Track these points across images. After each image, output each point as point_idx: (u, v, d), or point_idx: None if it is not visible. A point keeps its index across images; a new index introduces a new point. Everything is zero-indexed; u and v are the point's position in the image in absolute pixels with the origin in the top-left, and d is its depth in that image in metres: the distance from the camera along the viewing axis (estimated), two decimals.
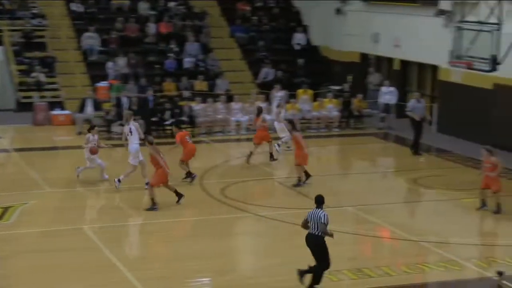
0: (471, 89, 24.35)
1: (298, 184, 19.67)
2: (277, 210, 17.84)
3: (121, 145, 24.61)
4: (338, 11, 32.23)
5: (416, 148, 23.56)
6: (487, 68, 20.33)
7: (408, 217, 17.87)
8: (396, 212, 18.04)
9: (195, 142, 25.50)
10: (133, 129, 19.79)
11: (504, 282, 12.31)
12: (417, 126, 23.36)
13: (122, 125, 25.44)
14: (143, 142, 19.08)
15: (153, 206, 17.56)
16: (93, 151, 19.77)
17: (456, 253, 15.06)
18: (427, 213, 18.35)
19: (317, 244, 12.92)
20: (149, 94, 26.71)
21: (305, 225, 13.10)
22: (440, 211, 18.54)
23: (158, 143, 24.35)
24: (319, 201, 13.04)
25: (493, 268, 13.95)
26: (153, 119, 25.87)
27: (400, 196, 19.26)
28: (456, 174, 21.37)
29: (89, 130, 20.37)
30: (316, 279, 13.01)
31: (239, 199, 18.64)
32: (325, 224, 12.79)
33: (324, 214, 12.83)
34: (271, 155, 22.35)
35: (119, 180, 19.21)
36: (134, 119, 20.50)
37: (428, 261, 14.68)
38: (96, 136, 20.12)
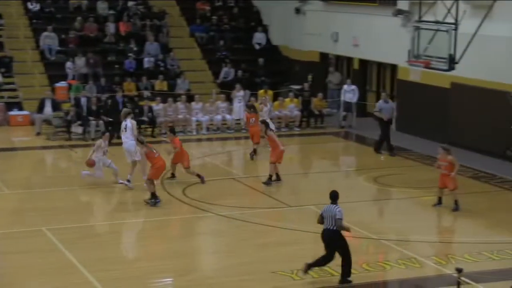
0: (430, 88, 24.62)
1: (269, 182, 19.84)
2: (239, 209, 17.85)
3: (82, 146, 24.53)
4: (298, 10, 32.37)
5: (378, 147, 23.66)
6: (444, 67, 20.57)
7: (368, 216, 18.00)
8: (356, 210, 18.13)
9: (155, 142, 25.51)
10: (128, 126, 19.83)
11: (463, 278, 12.46)
12: (385, 126, 23.47)
13: (81, 125, 25.34)
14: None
15: (155, 199, 17.79)
16: (89, 164, 19.35)
17: (416, 250, 15.22)
18: (387, 212, 18.53)
19: (333, 239, 13.27)
20: (119, 95, 26.49)
21: (321, 220, 13.44)
22: (400, 209, 18.73)
23: (117, 143, 24.31)
24: (334, 197, 13.40)
25: (452, 265, 14.15)
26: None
27: (361, 195, 19.39)
28: (415, 173, 21.59)
29: (100, 136, 20.00)
30: (348, 272, 13.40)
31: (201, 199, 18.62)
32: (341, 219, 13.13)
33: (339, 210, 13.19)
34: (255, 151, 22.75)
35: (128, 181, 19.26)
36: (132, 117, 20.53)
37: (389, 259, 14.81)
38: (106, 142, 19.64)
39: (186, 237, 16.32)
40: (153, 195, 17.90)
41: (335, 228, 13.20)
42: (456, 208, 17.81)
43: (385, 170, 22.06)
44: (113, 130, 24.59)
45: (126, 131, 19.82)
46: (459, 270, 12.22)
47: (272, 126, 22.57)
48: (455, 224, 17.66)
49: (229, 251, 15.39)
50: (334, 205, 13.31)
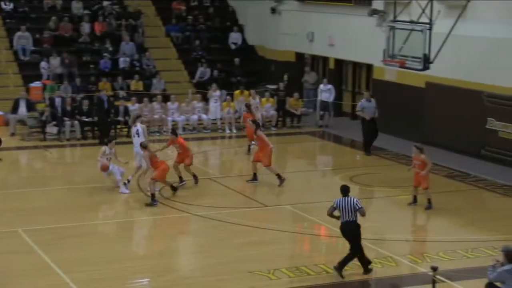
0: (405, 87, 24.76)
1: (253, 180, 20.13)
2: (216, 209, 17.84)
3: (57, 146, 24.40)
4: (273, 10, 32.41)
5: (368, 147, 23.70)
6: (419, 67, 20.70)
7: None
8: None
9: (131, 142, 25.42)
10: (140, 131, 19.95)
11: (438, 277, 12.55)
12: (367, 125, 23.52)
13: (56, 125, 25.20)
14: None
15: (153, 201, 17.88)
16: (103, 168, 19.04)
17: (391, 249, 15.30)
18: None
19: (354, 230, 13.65)
20: (103, 94, 26.34)
21: (331, 213, 13.85)
22: (375, 208, 18.80)
23: (92, 144, 24.22)
24: (346, 190, 13.86)
25: (427, 263, 14.24)
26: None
27: (337, 194, 19.38)
28: (391, 172, 21.70)
29: (106, 143, 19.67)
30: (345, 263, 13.76)
31: (178, 199, 18.58)
32: (363, 208, 13.72)
33: (357, 200, 13.78)
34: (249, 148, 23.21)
35: (128, 181, 19.31)
36: (142, 121, 20.69)
37: None
38: (113, 150, 19.34)
39: (163, 237, 16.28)
40: (153, 196, 17.96)
41: (354, 219, 13.62)
42: (429, 206, 17.94)
43: (361, 169, 22.16)
44: (100, 130, 24.66)
45: (138, 136, 19.94)
46: (434, 269, 12.32)
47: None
48: (430, 222, 17.78)
49: (206, 251, 15.38)
50: (349, 197, 13.75)
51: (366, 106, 23.43)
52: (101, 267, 14.36)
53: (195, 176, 19.84)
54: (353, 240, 13.74)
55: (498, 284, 11.71)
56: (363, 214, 13.79)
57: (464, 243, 15.68)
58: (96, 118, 25.34)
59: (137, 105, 26.52)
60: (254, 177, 20.18)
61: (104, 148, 19.34)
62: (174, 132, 20.24)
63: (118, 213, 17.74)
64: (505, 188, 19.99)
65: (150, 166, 18.27)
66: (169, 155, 20.89)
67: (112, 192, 19.04)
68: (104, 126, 25.20)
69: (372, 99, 23.50)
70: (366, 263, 13.87)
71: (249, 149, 23.37)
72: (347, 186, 14.05)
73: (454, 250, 15.19)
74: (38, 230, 16.22)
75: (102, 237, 16.07)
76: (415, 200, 18.20)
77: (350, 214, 13.64)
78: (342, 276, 13.64)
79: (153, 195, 17.97)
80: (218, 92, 27.67)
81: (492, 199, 19.41)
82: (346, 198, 13.77)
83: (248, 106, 24.59)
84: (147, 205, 17.92)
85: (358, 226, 13.74)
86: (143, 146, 18.42)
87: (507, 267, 11.51)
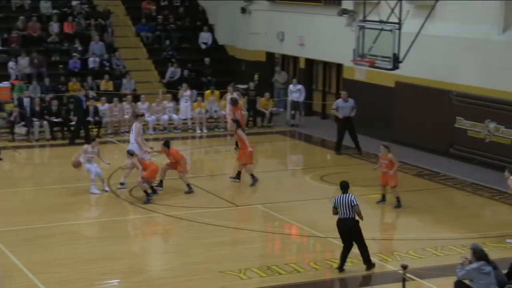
0: (375, 87, 24.88)
1: (236, 178, 20.15)
2: (186, 209, 17.80)
3: (26, 147, 24.19)
4: (244, 10, 32.41)
5: (338, 147, 23.75)
6: (389, 67, 20.81)
7: (315, 214, 18.10)
8: (303, 209, 18.27)
9: (101, 142, 25.28)
10: (133, 129, 19.97)
11: (408, 275, 12.63)
12: (341, 125, 23.56)
13: (25, 126, 24.98)
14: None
15: (148, 197, 18.02)
16: (74, 164, 18.94)
17: None
18: None
19: (351, 227, 13.82)
20: (81, 93, 26.14)
21: (335, 211, 14.02)
22: None
23: (62, 144, 24.06)
24: (346, 186, 14.07)
25: (397, 261, 14.33)
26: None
27: (307, 194, 19.51)
28: (361, 171, 21.78)
29: (88, 142, 19.55)
30: (369, 258, 14.09)
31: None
32: (358, 206, 13.85)
33: (354, 197, 13.89)
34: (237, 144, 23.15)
35: (121, 183, 19.41)
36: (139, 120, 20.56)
37: (336, 256, 14.89)
38: (96, 149, 19.26)
39: (134, 238, 16.22)
40: (147, 193, 18.09)
41: (352, 216, 13.75)
42: (398, 205, 18.06)
43: (331, 169, 22.24)
44: (78, 129, 24.69)
45: (132, 133, 19.99)
46: (404, 267, 12.39)
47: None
48: (399, 221, 17.88)
49: (176, 251, 15.34)
50: (347, 194, 13.90)
51: (341, 106, 23.49)
52: (71, 268, 14.26)
53: (189, 186, 19.13)
54: (347, 236, 13.91)
55: (466, 282, 11.82)
56: (358, 212, 13.89)
57: (434, 241, 15.80)
58: (75, 118, 25.23)
59: (107, 105, 26.38)
60: (237, 176, 20.14)
61: (86, 146, 19.29)
62: (167, 144, 19.18)
63: (88, 214, 17.63)
64: (474, 186, 20.17)
65: (142, 170, 18.25)
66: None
67: (82, 193, 18.91)
68: (84, 125, 25.09)
69: (350, 99, 23.52)
70: (367, 260, 14.11)
71: (236, 145, 23.29)
72: (346, 182, 14.25)
73: (423, 248, 15.29)
74: (7, 231, 16.07)
75: (72, 238, 15.95)
76: (383, 198, 18.32)
77: (347, 211, 13.80)
78: (343, 270, 13.94)
79: (146, 192, 18.07)
80: (188, 92, 27.61)
81: (461, 197, 19.58)
82: (345, 195, 13.94)
83: (235, 101, 24.59)
84: (144, 203, 17.97)
85: (357, 222, 13.90)
86: (130, 153, 18.52)
87: (475, 265, 11.62)
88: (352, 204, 13.80)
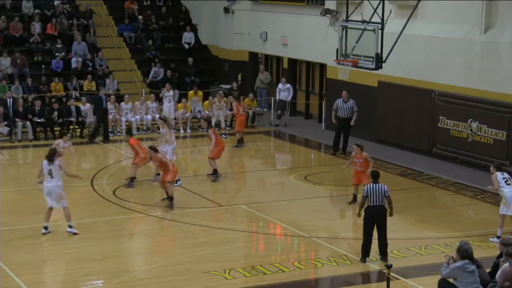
0: (358, 86, 24.94)
1: (214, 175, 20.23)
2: (169, 209, 17.75)
3: (9, 147, 24.04)
4: (227, 10, 32.40)
5: (335, 147, 23.73)
6: (372, 66, 20.85)
7: (299, 214, 18.13)
8: (287, 209, 18.28)
9: (85, 143, 25.20)
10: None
11: (393, 274, 12.67)
12: (339, 125, 23.54)
13: (7, 125, 24.83)
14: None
15: (171, 203, 17.87)
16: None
17: (346, 248, 15.42)
18: (317, 209, 18.66)
19: (381, 214, 14.25)
20: (102, 93, 26.07)
21: (363, 203, 14.44)
22: (330, 207, 18.95)
23: (45, 145, 23.92)
24: (377, 176, 14.56)
25: (381, 261, 14.37)
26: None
27: (291, 193, 19.53)
28: (344, 170, 21.81)
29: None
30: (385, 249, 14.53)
31: (131, 200, 18.48)
32: (391, 197, 14.39)
33: (387, 187, 14.36)
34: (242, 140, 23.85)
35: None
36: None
37: (320, 256, 14.96)
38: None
39: (117, 238, 16.15)
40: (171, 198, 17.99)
41: (383, 204, 14.21)
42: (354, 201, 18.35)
43: (315, 169, 22.27)
44: (98, 128, 25.09)
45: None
46: (388, 266, 12.43)
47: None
48: None
49: (160, 251, 15.31)
50: (379, 184, 14.33)
51: (340, 106, 23.50)
52: (54, 269, 14.21)
53: (171, 198, 18.11)
54: (375, 224, 14.27)
55: (451, 280, 11.87)
56: (390, 202, 14.36)
57: (417, 241, 15.86)
58: (94, 117, 25.40)
59: (88, 105, 26.28)
60: (213, 173, 20.23)
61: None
62: (153, 148, 18.41)
63: (71, 214, 17.51)
64: (457, 185, 20.27)
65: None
66: None
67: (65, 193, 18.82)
68: (104, 124, 25.26)
69: (351, 100, 23.51)
70: (384, 250, 14.47)
71: (238, 142, 23.58)
72: (377, 171, 14.81)
73: (407, 248, 15.34)
74: None
75: (55, 239, 15.86)
76: (354, 199, 18.33)
77: (379, 199, 14.22)
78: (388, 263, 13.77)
79: (171, 197, 17.97)
80: (171, 92, 27.56)
81: (444, 197, 19.68)
82: (376, 184, 14.31)
83: (236, 97, 25.10)
84: (168, 205, 17.93)
85: (386, 211, 14.33)
86: (152, 149, 18.09)
87: (459, 263, 11.68)
88: (386, 194, 14.27)
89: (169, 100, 27.26)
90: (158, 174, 18.69)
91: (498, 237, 15.63)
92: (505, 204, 15.63)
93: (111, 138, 25.50)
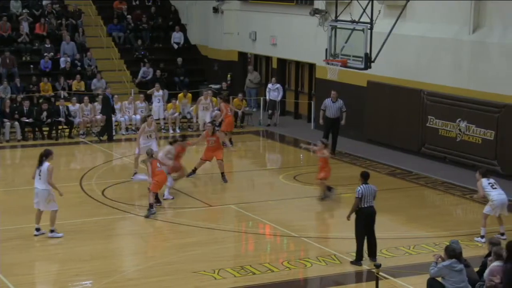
0: (347, 86, 24.97)
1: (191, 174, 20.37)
2: (159, 210, 17.72)
3: None
4: (216, 10, 32.38)
5: (333, 147, 23.69)
6: (361, 66, 20.87)
7: (288, 214, 18.15)
8: (276, 208, 18.29)
9: (74, 143, 25.13)
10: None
11: (381, 274, 12.70)
12: (328, 125, 23.55)
13: None
14: None
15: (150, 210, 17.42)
16: None
17: (335, 247, 15.43)
18: (306, 209, 18.69)
19: (374, 214, 14.41)
20: (108, 91, 26.02)
21: (357, 203, 14.30)
22: (318, 206, 18.94)
23: (34, 145, 23.86)
24: (367, 176, 14.56)
25: (371, 261, 14.40)
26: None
27: (280, 193, 19.54)
28: (334, 170, 21.74)
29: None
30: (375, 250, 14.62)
31: (120, 200, 18.44)
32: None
33: (376, 187, 14.53)
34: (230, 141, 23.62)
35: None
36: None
37: (309, 256, 14.97)
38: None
39: (106, 238, 16.11)
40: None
41: (373, 205, 14.37)
42: (325, 196, 18.70)
43: (304, 168, 22.29)
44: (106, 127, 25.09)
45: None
46: (377, 266, 12.46)
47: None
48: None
49: (149, 251, 15.29)
50: (369, 185, 14.39)
51: (328, 106, 23.52)
52: (43, 270, 14.17)
53: (151, 206, 17.48)
54: (372, 224, 14.36)
55: (439, 279, 11.91)
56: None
57: (406, 240, 15.90)
58: (103, 116, 25.42)
59: (78, 105, 26.23)
60: (193, 171, 20.32)
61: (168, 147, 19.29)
62: (149, 154, 18.20)
63: (60, 215, 17.45)
64: (446, 185, 20.32)
65: (150, 174, 17.49)
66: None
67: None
68: (109, 123, 25.23)
69: (339, 100, 23.53)
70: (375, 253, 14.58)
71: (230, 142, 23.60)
72: (368, 172, 14.77)
73: (396, 247, 15.37)
74: None
75: (44, 240, 15.81)
76: (329, 190, 18.81)
77: (372, 199, 14.32)
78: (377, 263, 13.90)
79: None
80: (161, 92, 27.52)
81: (433, 196, 19.73)
82: (368, 185, 14.37)
83: (224, 99, 25.13)
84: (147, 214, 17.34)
85: (375, 212, 14.47)
86: (147, 154, 17.87)
87: (446, 262, 11.72)
88: (376, 193, 14.43)
89: (158, 100, 27.22)
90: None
91: (482, 237, 15.72)
92: (492, 207, 15.70)
93: (97, 138, 25.44)
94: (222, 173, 20.27)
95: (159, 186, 17.67)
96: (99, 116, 26.09)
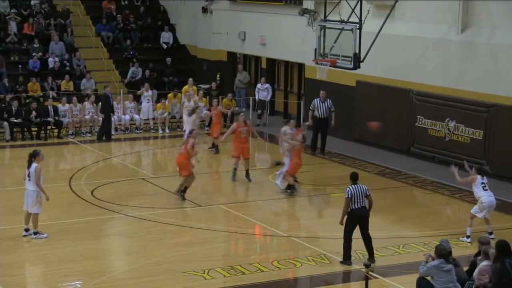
0: (336, 86, 25.01)
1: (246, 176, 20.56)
2: (149, 210, 17.72)
3: None
4: (205, 10, 32.37)
5: (314, 147, 23.76)
6: (350, 66, 20.92)
7: (278, 213, 18.17)
8: (266, 208, 18.30)
9: (63, 143, 25.07)
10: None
11: (371, 273, 12.73)
12: (316, 125, 23.58)
13: None
14: None
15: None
16: None
17: (325, 247, 15.45)
18: (296, 209, 18.73)
19: (365, 215, 14.31)
20: (108, 90, 25.94)
21: (348, 203, 14.21)
22: (308, 206, 18.98)
23: (23, 145, 23.78)
24: (356, 177, 14.46)
25: (360, 260, 14.42)
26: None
27: (270, 193, 19.53)
28: (323, 170, 21.90)
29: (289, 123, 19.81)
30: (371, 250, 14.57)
31: (110, 200, 18.41)
32: (370, 194, 14.40)
33: (366, 186, 14.38)
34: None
35: None
36: None
37: (299, 256, 14.99)
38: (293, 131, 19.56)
39: (96, 239, 16.08)
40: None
41: (365, 205, 14.26)
42: (286, 191, 18.97)
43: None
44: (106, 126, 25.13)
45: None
46: (367, 265, 12.49)
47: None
48: None
49: (139, 252, 15.26)
50: (359, 185, 14.31)
51: (317, 106, 23.56)
52: (32, 270, 14.13)
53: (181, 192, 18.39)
54: (365, 224, 14.30)
55: (428, 278, 11.95)
56: (371, 201, 14.33)
57: (396, 240, 15.94)
58: (102, 114, 25.39)
59: (67, 105, 26.17)
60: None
61: (284, 128, 19.60)
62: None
63: (49, 215, 17.42)
64: (435, 184, 20.38)
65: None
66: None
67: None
68: (108, 122, 25.29)
69: (328, 100, 23.57)
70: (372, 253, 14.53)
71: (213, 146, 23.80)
72: (356, 173, 14.69)
73: (386, 247, 15.41)
74: None
75: (32, 240, 15.77)
76: (292, 186, 19.02)
77: (362, 200, 14.21)
78: (374, 261, 14.25)
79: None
80: (150, 92, 27.49)
81: (422, 196, 19.79)
82: (357, 185, 14.28)
83: (213, 103, 25.21)
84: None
85: (368, 212, 14.34)
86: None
87: (435, 262, 11.77)
88: (367, 193, 14.25)
89: (147, 100, 27.19)
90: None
91: (468, 236, 15.78)
92: (481, 208, 15.75)
93: (86, 138, 25.39)
94: (247, 171, 20.40)
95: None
96: (87, 116, 26.03)
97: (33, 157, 15.64)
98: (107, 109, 25.37)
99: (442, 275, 11.69)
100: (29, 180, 15.64)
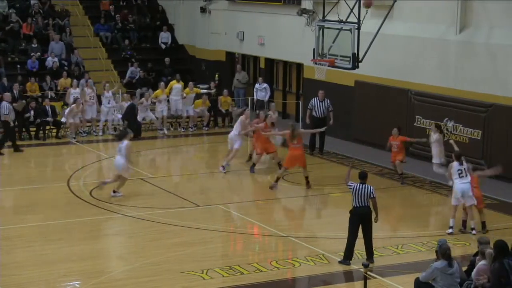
0: (335, 86, 25.01)
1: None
2: (147, 210, 17.72)
3: None
4: (203, 10, 32.37)
5: (312, 147, 23.74)
6: (348, 66, 20.92)
7: (277, 213, 18.17)
8: (265, 208, 18.30)
9: (61, 143, 25.07)
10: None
11: (370, 273, 12.73)
12: (314, 125, 23.55)
13: None
14: None
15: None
16: None
17: (323, 247, 15.45)
18: (295, 209, 18.74)
19: (367, 215, 14.23)
20: (135, 101, 25.91)
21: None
22: (307, 206, 18.98)
23: (21, 145, 23.77)
24: (365, 176, 14.43)
25: (359, 260, 14.42)
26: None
27: (269, 193, 19.54)
28: (321, 170, 21.90)
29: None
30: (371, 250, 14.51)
31: (108, 200, 18.41)
32: (376, 198, 14.33)
33: (373, 189, 14.30)
34: None
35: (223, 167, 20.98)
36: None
37: (298, 256, 14.99)
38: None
39: (94, 239, 16.09)
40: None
41: (367, 205, 14.20)
42: (271, 187, 19.33)
43: (292, 168, 22.24)
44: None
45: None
46: (365, 265, 12.49)
47: None
48: None
49: (137, 252, 15.26)
50: (366, 185, 14.29)
51: (315, 105, 23.56)
52: (30, 270, 14.12)
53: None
54: (364, 223, 14.26)
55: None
56: (374, 205, 14.31)
57: (394, 240, 15.95)
58: (126, 122, 24.94)
59: (77, 89, 26.23)
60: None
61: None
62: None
63: (46, 215, 17.43)
64: (433, 184, 20.39)
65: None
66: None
67: (39, 194, 18.72)
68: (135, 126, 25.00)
69: (326, 100, 23.57)
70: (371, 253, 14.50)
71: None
72: (366, 172, 14.65)
73: (384, 247, 15.41)
74: None
75: (31, 240, 15.78)
76: (276, 182, 19.47)
77: (364, 200, 14.19)
78: (373, 261, 14.23)
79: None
80: (164, 96, 27.39)
81: (420, 196, 19.78)
82: (363, 185, 14.26)
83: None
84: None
85: (371, 212, 14.31)
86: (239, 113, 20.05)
87: (440, 264, 11.69)
88: (372, 195, 14.21)
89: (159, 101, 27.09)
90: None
91: (451, 227, 15.85)
92: (454, 195, 15.87)
93: (85, 138, 25.37)
94: (279, 163, 20.81)
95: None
96: (88, 117, 26.05)
97: (123, 136, 18.77)
98: (131, 119, 25.11)
99: (444, 277, 11.65)
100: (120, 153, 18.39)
